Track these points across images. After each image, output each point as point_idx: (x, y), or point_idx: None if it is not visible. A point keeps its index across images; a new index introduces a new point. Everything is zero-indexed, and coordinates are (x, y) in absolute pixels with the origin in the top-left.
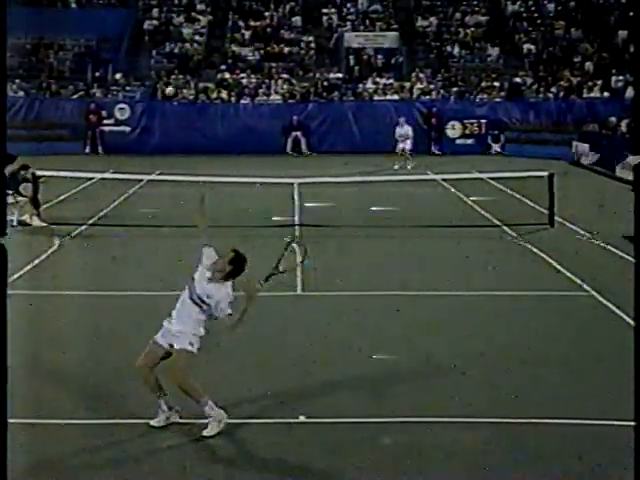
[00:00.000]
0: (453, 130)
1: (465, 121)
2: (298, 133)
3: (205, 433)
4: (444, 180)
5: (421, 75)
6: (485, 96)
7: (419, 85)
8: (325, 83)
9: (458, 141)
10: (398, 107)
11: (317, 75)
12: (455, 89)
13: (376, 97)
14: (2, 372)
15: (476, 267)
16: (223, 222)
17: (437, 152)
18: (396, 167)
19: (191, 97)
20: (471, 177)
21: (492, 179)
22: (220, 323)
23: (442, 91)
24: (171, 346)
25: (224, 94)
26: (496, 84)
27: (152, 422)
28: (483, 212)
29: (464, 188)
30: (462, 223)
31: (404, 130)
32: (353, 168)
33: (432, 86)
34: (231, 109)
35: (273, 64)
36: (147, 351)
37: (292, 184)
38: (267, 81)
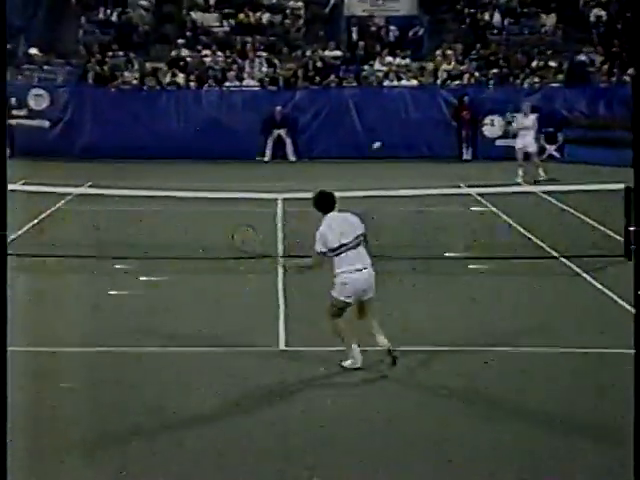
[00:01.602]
0: (492, 127)
1: (509, 115)
2: (282, 131)
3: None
4: (481, 195)
5: (449, 52)
6: (537, 81)
7: (446, 66)
8: (318, 64)
9: (499, 142)
10: (417, 96)
11: (307, 53)
12: (495, 71)
13: (387, 83)
14: (2, 372)
15: (525, 312)
16: (183, 252)
17: (469, 157)
18: (519, 179)
19: (135, 81)
20: (517, 191)
21: (546, 193)
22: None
23: (477, 74)
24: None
25: (180, 78)
26: (552, 64)
27: (348, 363)
28: (534, 238)
29: (508, 206)
30: (507, 253)
31: (529, 120)
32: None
33: (463, 67)
34: (190, 98)
35: (247, 38)
36: None
37: (274, 200)
38: (239, 61)
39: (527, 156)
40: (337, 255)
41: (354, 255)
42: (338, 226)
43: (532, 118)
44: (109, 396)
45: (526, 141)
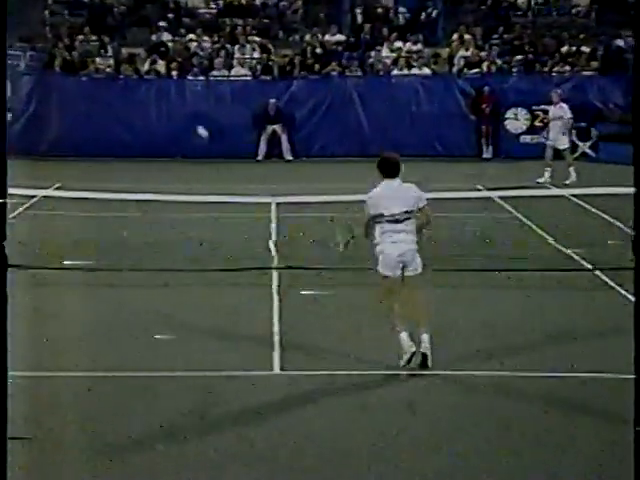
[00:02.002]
0: (516, 122)
1: (535, 108)
2: (277, 127)
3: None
4: (503, 199)
5: (467, 37)
6: (567, 69)
7: (463, 52)
8: (318, 50)
9: (524, 138)
10: (430, 86)
11: (306, 38)
12: (519, 58)
13: (396, 71)
14: (2, 375)
15: (569, 333)
16: (164, 263)
17: (489, 156)
18: (542, 179)
19: (109, 69)
20: (545, 195)
21: (577, 197)
22: None
23: (499, 61)
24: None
25: (161, 66)
26: (585, 49)
27: (402, 362)
28: (564, 248)
29: (534, 212)
30: (533, 265)
31: (561, 110)
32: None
33: (484, 54)
34: (172, 89)
35: (237, 21)
36: None
37: (268, 205)
38: (228, 46)
39: (557, 153)
40: (378, 223)
41: (395, 228)
42: (389, 195)
43: (564, 108)
44: (104, 418)
45: (557, 135)
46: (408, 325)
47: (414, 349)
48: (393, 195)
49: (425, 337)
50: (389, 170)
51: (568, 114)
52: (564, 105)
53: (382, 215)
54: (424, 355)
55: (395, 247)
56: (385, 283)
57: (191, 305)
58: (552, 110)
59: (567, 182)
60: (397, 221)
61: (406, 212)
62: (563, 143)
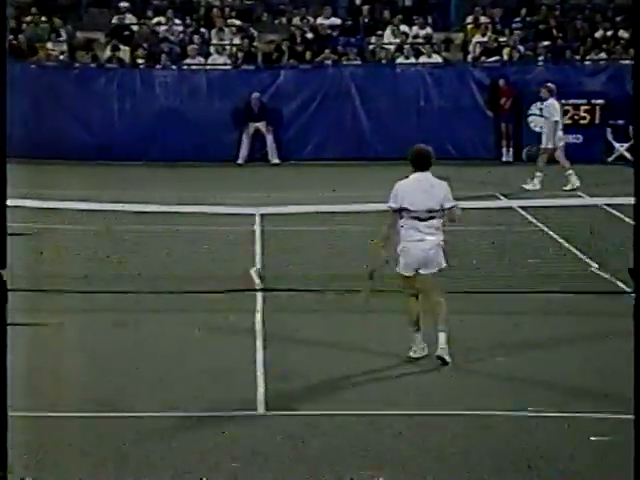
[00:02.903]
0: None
1: (565, 102)
2: (261, 125)
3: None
4: (525, 209)
5: (483, 20)
6: (602, 56)
7: (479, 38)
8: (309, 35)
9: None
10: (440, 77)
11: (295, 21)
12: (546, 44)
13: (401, 60)
14: (2, 377)
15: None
16: (128, 284)
17: (509, 159)
18: (529, 186)
19: (62, 56)
20: (576, 204)
21: (612, 207)
22: None
23: (522, 48)
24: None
25: (124, 53)
26: (623, 34)
27: (410, 353)
28: (603, 273)
29: (563, 224)
30: (564, 286)
31: (548, 110)
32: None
33: (504, 39)
34: (137, 80)
35: (215, 1)
36: None
37: (251, 216)
38: (204, 30)
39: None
40: (401, 218)
41: (419, 226)
42: (416, 188)
43: (550, 107)
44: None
45: (547, 137)
46: (424, 325)
47: (426, 352)
48: (420, 189)
49: (442, 336)
50: (421, 163)
51: (555, 115)
52: (553, 103)
53: (406, 210)
54: (440, 358)
55: (414, 246)
56: (402, 282)
57: (159, 335)
58: (548, 108)
59: (566, 188)
60: (419, 219)
61: (429, 211)
62: (550, 143)
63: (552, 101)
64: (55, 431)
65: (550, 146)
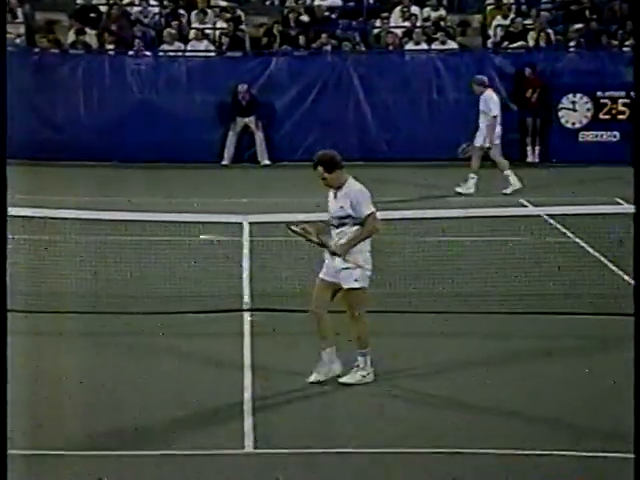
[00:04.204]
0: (574, 113)
1: (600, 94)
2: (249, 120)
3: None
4: (555, 218)
5: (505, 0)
6: None
7: (501, 20)
8: (304, 18)
9: (584, 135)
10: (456, 65)
11: (289, 2)
12: (579, 27)
13: (410, 46)
14: (2, 378)
15: None
16: (94, 304)
17: (536, 159)
18: (462, 189)
19: (19, 40)
20: (611, 212)
21: None
22: None
23: (551, 32)
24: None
25: (91, 37)
26: None
27: (311, 378)
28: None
29: (598, 234)
30: (609, 307)
31: (484, 103)
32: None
33: (529, 22)
34: (106, 68)
35: None
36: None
37: (238, 225)
38: (183, 12)
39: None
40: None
41: (334, 235)
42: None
43: (487, 100)
44: None
45: (483, 135)
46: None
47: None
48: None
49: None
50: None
51: (493, 110)
52: (490, 95)
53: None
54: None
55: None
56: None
57: (131, 361)
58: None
59: (507, 191)
60: (332, 226)
61: (340, 218)
62: (482, 141)
63: (489, 93)
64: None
65: (486, 144)
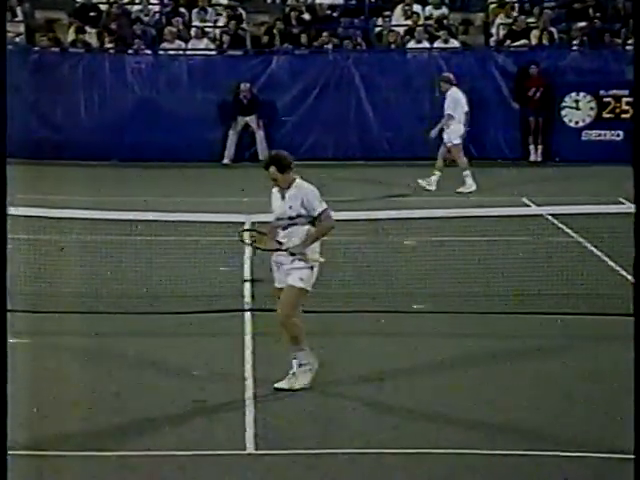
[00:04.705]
0: (577, 112)
1: (603, 93)
2: (250, 119)
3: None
4: (558, 217)
5: None
6: None
7: (503, 19)
8: (306, 16)
9: (588, 134)
10: (458, 64)
11: (289, 0)
12: (582, 25)
13: (412, 44)
14: (2, 377)
15: None
16: (97, 304)
17: (538, 158)
18: (423, 183)
19: (18, 39)
20: (618, 211)
21: None
22: None
23: (554, 30)
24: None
25: (91, 36)
26: None
27: (280, 384)
28: None
29: (602, 235)
30: (609, 308)
31: (446, 102)
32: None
33: (532, 20)
34: (106, 67)
35: None
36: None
37: (240, 225)
38: (183, 11)
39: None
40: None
41: (283, 236)
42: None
43: (452, 98)
44: None
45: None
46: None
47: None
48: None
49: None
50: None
51: (457, 108)
52: (456, 93)
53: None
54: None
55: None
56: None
57: (134, 362)
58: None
59: (460, 190)
60: (284, 227)
61: (291, 217)
62: (448, 140)
63: (454, 91)
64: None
65: (457, 142)
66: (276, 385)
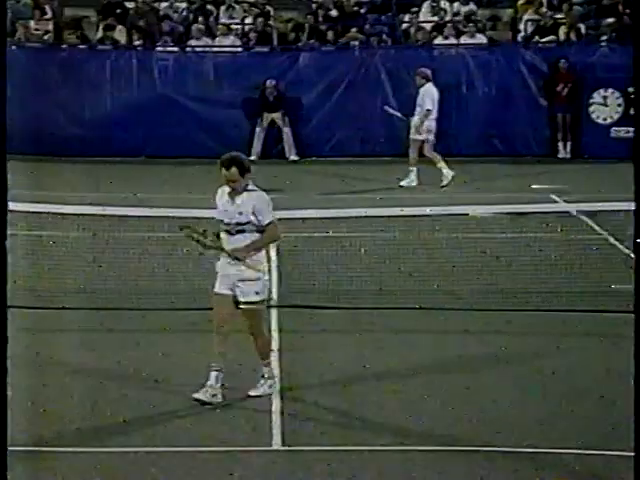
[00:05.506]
0: (605, 108)
1: (632, 89)
2: (277, 116)
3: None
4: (587, 214)
5: None
6: None
7: (531, 15)
8: (333, 12)
9: (616, 131)
10: (486, 60)
11: None
12: (610, 21)
13: (440, 40)
14: (2, 376)
15: None
16: (130, 301)
17: (567, 155)
18: (404, 182)
19: (47, 37)
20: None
21: None
22: None
23: (582, 26)
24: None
25: (119, 33)
26: None
27: (197, 395)
28: None
29: (632, 234)
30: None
31: (421, 97)
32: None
33: (560, 16)
34: (134, 64)
35: None
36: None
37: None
38: (211, 7)
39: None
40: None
41: (231, 242)
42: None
43: (426, 93)
44: None
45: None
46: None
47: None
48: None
49: (263, 384)
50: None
51: (428, 104)
52: (429, 89)
53: (221, 222)
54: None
55: (231, 266)
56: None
57: (166, 357)
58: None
59: (444, 183)
60: (234, 232)
61: (238, 224)
62: (420, 134)
63: (429, 87)
64: (48, 467)
65: (420, 137)
66: (249, 393)
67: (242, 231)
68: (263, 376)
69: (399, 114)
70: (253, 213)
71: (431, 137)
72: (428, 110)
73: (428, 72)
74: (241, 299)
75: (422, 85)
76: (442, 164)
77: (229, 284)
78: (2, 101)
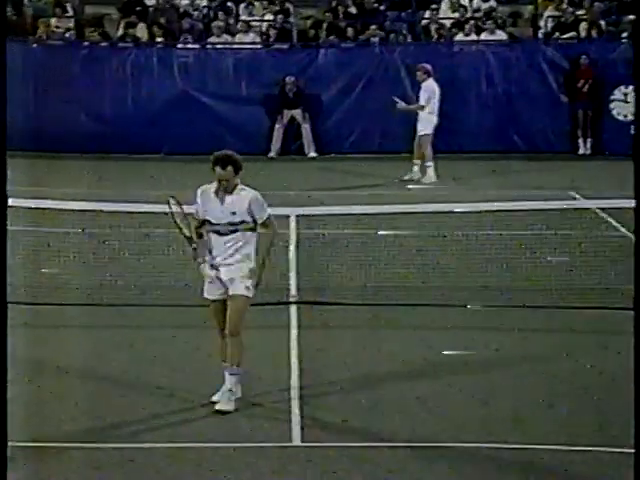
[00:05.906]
0: (626, 104)
1: (633, 89)
2: (296, 113)
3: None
4: (607, 211)
5: None
6: None
7: (552, 11)
8: (352, 9)
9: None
10: (506, 57)
11: None
12: (631, 18)
13: (460, 37)
14: (2, 376)
15: None
16: (147, 297)
17: (587, 152)
18: (407, 176)
19: (69, 34)
20: None
21: None
22: None
23: (603, 22)
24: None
25: (140, 30)
26: None
27: (218, 406)
28: None
29: None
30: None
31: (432, 89)
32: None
33: (581, 12)
34: (155, 61)
35: None
36: None
37: (285, 218)
38: (231, 5)
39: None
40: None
41: (222, 243)
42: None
43: (427, 89)
44: None
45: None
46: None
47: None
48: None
49: (230, 378)
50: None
51: (430, 99)
52: (431, 85)
53: (208, 222)
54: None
55: (223, 270)
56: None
57: (182, 353)
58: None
59: (424, 180)
60: (225, 233)
61: (232, 224)
62: (425, 130)
63: (430, 83)
64: (56, 464)
65: (428, 132)
66: (217, 407)
67: (235, 231)
68: (230, 390)
69: (404, 104)
70: (249, 213)
71: (430, 132)
72: (422, 106)
73: (429, 67)
74: (231, 292)
75: (423, 80)
76: (430, 163)
77: (219, 286)
78: (2, 101)
